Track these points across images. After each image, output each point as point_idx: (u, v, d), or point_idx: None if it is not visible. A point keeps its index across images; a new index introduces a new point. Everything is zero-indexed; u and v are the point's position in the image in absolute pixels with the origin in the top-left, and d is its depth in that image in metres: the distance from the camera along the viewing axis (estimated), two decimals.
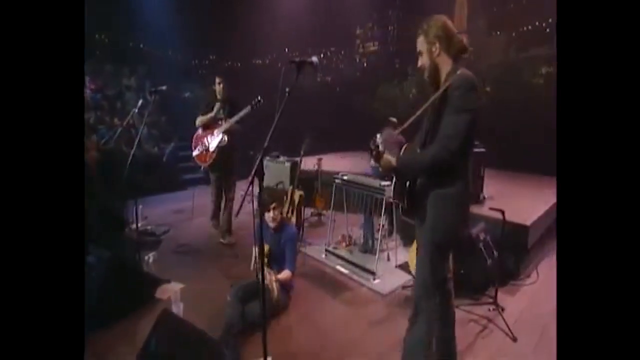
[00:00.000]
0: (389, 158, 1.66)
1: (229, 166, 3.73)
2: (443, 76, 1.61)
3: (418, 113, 1.63)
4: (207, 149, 3.62)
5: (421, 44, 1.63)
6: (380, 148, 1.63)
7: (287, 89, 1.50)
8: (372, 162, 1.71)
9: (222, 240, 3.82)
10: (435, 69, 1.63)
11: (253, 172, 1.45)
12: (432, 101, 1.60)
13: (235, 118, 3.45)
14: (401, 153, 1.74)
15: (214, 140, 3.60)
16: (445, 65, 1.61)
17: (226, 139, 3.55)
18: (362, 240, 3.71)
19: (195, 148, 3.72)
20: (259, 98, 3.29)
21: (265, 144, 1.49)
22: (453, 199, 1.60)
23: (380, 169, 1.73)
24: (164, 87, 3.14)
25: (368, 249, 3.61)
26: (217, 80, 3.64)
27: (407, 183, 1.73)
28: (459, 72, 1.52)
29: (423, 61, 1.65)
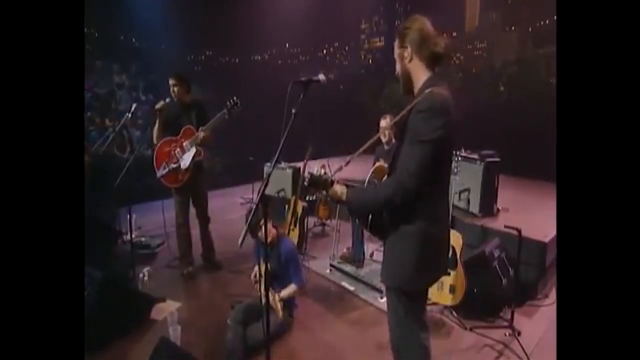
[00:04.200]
0: (338, 189, 1.51)
1: (201, 184, 3.44)
2: (417, 87, 1.48)
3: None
4: (178, 167, 3.22)
5: (395, 48, 1.52)
6: (325, 176, 1.49)
7: (293, 110, 1.50)
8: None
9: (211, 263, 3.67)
10: (407, 78, 1.51)
11: (256, 202, 1.45)
12: (399, 120, 1.48)
13: (209, 125, 3.10)
14: (368, 176, 1.65)
15: (185, 155, 3.19)
16: (420, 73, 1.47)
17: (201, 152, 3.20)
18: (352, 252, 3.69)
19: (159, 167, 3.27)
20: (235, 99, 3.02)
21: (271, 169, 1.49)
22: (411, 238, 1.45)
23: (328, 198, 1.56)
24: (167, 100, 3.13)
25: (357, 259, 3.61)
26: (171, 82, 3.23)
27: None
28: (428, 90, 1.37)
29: (397, 68, 1.53)
